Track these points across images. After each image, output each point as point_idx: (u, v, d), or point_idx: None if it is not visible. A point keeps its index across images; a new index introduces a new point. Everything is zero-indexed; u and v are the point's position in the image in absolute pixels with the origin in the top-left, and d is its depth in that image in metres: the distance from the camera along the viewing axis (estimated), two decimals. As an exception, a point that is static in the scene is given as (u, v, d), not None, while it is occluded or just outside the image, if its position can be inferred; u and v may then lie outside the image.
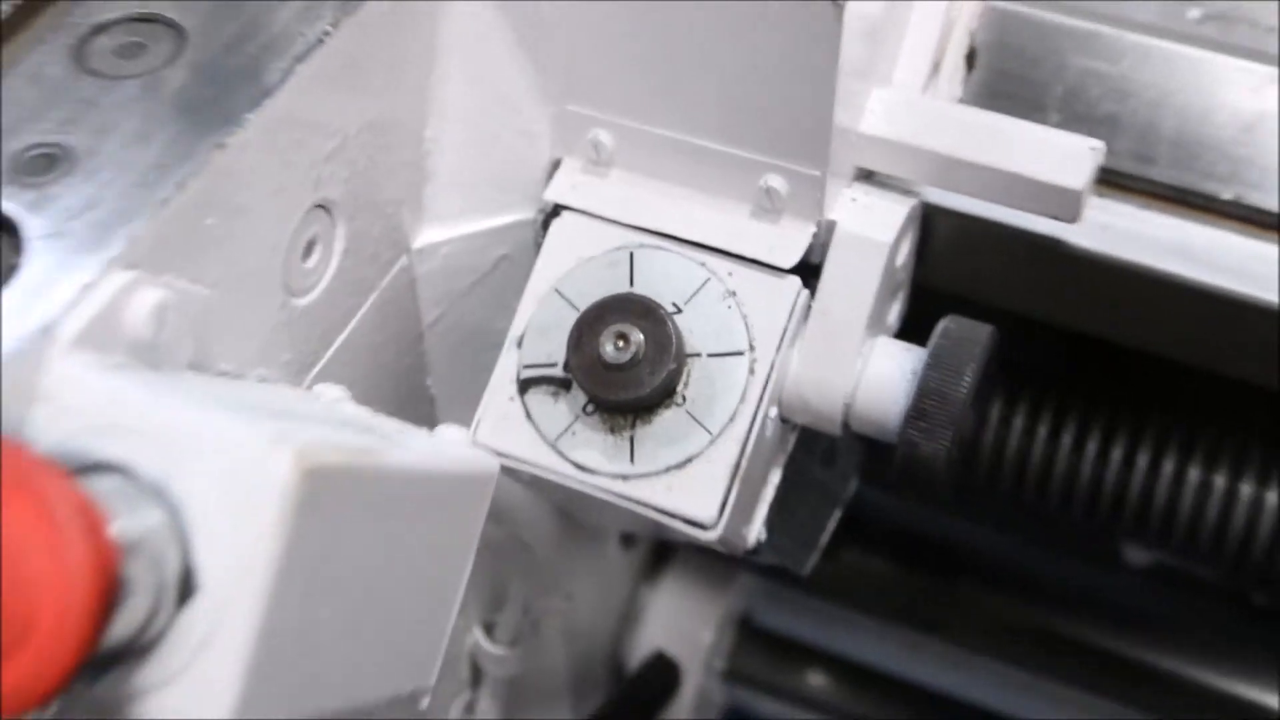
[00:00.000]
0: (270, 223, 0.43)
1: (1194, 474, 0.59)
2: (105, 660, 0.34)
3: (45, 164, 0.40)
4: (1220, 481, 0.60)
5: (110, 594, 0.32)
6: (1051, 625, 0.76)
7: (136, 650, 0.35)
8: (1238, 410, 0.58)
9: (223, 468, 0.34)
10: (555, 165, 0.52)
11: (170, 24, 0.44)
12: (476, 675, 0.68)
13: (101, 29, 0.43)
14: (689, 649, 0.78)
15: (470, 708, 0.69)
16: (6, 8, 0.44)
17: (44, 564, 0.31)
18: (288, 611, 0.35)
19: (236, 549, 0.35)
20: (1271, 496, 0.60)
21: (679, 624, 0.78)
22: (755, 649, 0.80)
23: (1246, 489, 0.60)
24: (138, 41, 0.43)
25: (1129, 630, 0.76)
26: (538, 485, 0.51)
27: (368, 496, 0.38)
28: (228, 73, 0.42)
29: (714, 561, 0.79)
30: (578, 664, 0.74)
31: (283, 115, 0.42)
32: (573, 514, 0.61)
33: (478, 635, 0.67)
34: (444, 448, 0.43)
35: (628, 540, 0.75)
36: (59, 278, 0.37)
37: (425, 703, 0.45)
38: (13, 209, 0.39)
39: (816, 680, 0.80)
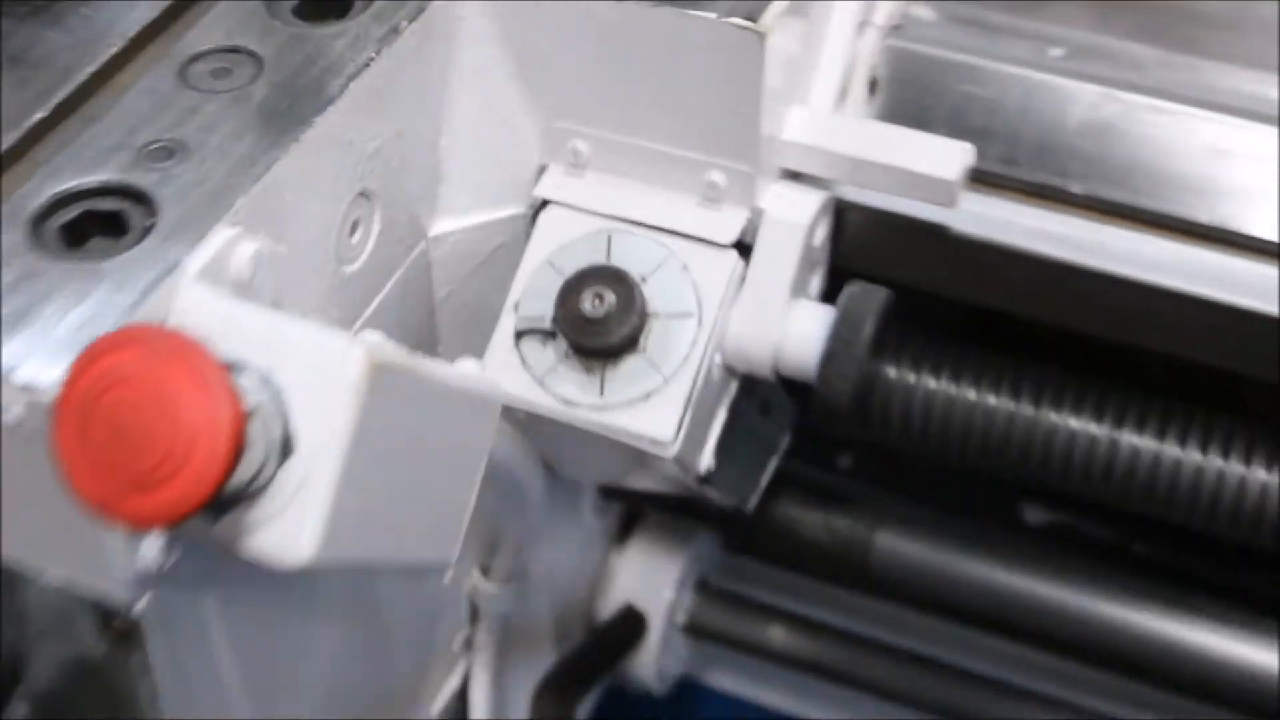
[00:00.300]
0: (328, 202, 0.56)
1: (1071, 421, 0.72)
2: (226, 502, 0.47)
3: (164, 154, 0.53)
4: (1096, 430, 0.73)
5: (238, 445, 0.45)
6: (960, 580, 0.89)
7: (248, 496, 0.47)
8: (1097, 364, 0.72)
9: (314, 362, 0.47)
10: (542, 169, 0.65)
11: (251, 54, 0.57)
12: (474, 613, 0.81)
13: (198, 57, 0.57)
14: (654, 605, 0.90)
15: (469, 642, 0.82)
16: (119, 41, 0.57)
17: (199, 417, 0.44)
18: (357, 471, 0.48)
19: (322, 422, 0.47)
20: (1145, 443, 0.73)
21: (644, 584, 0.91)
22: (712, 606, 0.93)
23: (1126, 438, 0.72)
24: (226, 67, 0.57)
25: (1031, 582, 0.88)
26: (531, 424, 0.64)
27: (413, 393, 0.50)
28: (297, 89, 0.56)
29: (674, 530, 0.92)
30: (558, 614, 0.87)
31: (339, 121, 0.56)
32: (556, 465, 0.74)
33: (476, 577, 0.79)
34: (464, 370, 0.56)
35: (600, 508, 0.88)
36: (183, 232, 0.50)
37: (448, 577, 0.58)
38: (145, 184, 0.52)
39: (772, 633, 0.92)
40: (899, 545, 0.85)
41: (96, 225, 0.51)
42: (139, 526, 0.45)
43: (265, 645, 0.62)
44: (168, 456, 0.44)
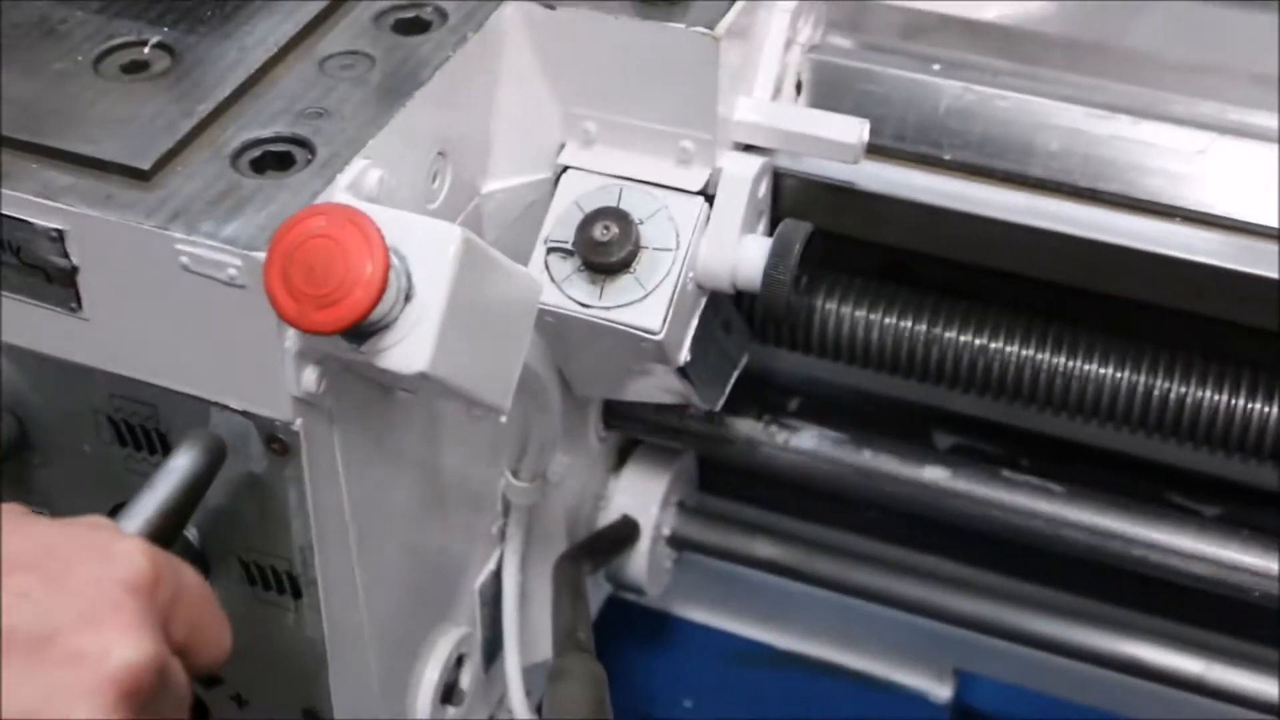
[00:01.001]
0: (419, 153, 0.81)
1: (957, 337, 0.97)
2: (370, 329, 0.71)
3: (315, 115, 0.78)
4: (986, 343, 0.97)
5: (384, 284, 0.69)
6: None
7: (382, 327, 0.71)
8: (964, 285, 0.97)
9: (428, 238, 0.71)
10: (562, 145, 0.91)
11: (366, 55, 0.82)
12: (506, 507, 1.05)
13: (330, 57, 0.82)
14: (644, 518, 1.15)
15: (502, 532, 1.05)
16: (274, 47, 0.83)
17: (362, 261, 0.68)
18: (453, 313, 0.72)
19: (432, 277, 0.71)
20: (1009, 349, 0.97)
21: (635, 502, 1.15)
22: (690, 522, 1.17)
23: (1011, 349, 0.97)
24: (350, 63, 0.82)
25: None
26: (553, 331, 0.89)
27: (487, 265, 0.75)
28: (399, 77, 0.81)
29: (659, 460, 1.16)
30: (569, 518, 1.10)
31: (426, 98, 0.81)
32: (571, 379, 0.98)
33: (507, 476, 1.03)
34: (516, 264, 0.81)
35: (602, 436, 1.12)
36: (332, 163, 0.75)
37: (504, 418, 0.82)
38: (304, 133, 0.77)
39: (738, 541, 1.16)
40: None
41: (272, 161, 0.76)
42: (320, 332, 0.69)
43: (367, 483, 0.85)
44: (340, 286, 0.68)
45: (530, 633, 1.09)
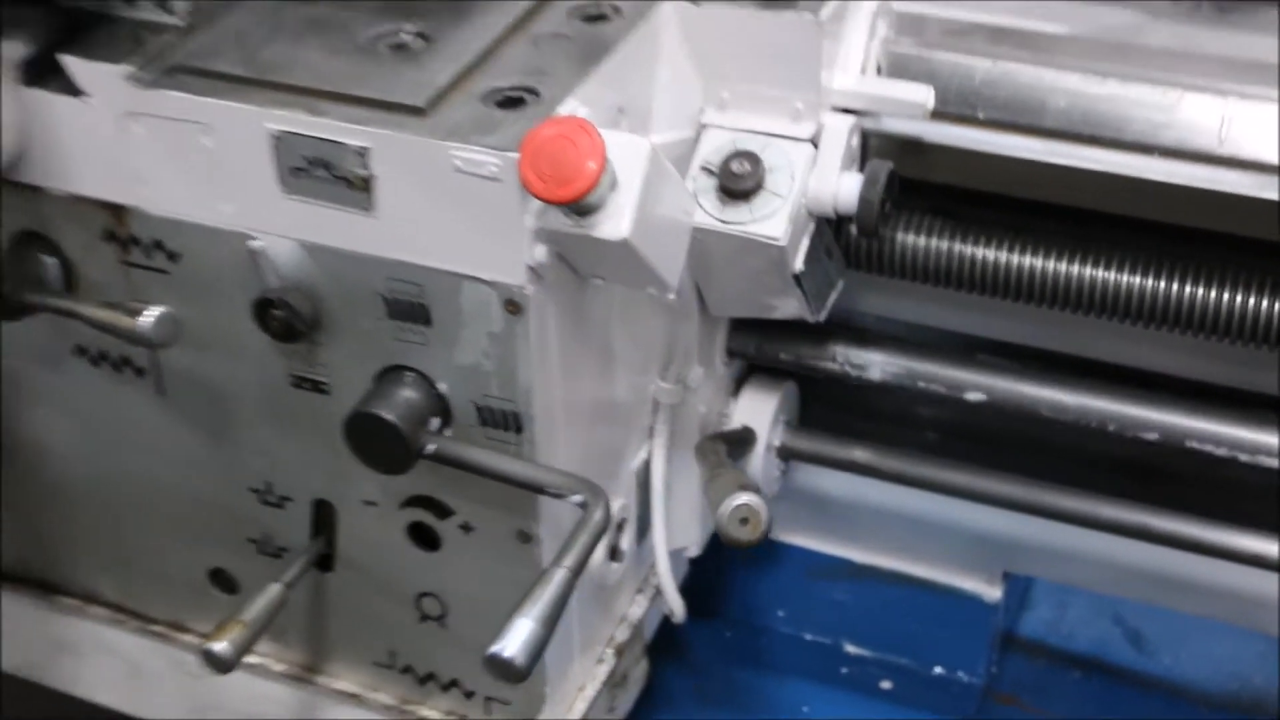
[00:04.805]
0: (608, 104, 1.12)
1: (996, 253, 1.27)
2: (589, 208, 1.01)
3: (535, 73, 1.09)
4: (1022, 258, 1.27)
5: (600, 173, 0.99)
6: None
7: (595, 209, 1.01)
8: (1012, 213, 1.27)
9: (628, 146, 1.02)
10: (702, 109, 1.21)
11: (567, 36, 1.13)
12: (655, 407, 1.34)
13: (540, 37, 1.13)
14: (759, 431, 1.43)
15: (651, 429, 1.34)
16: (497, 30, 1.14)
17: (588, 152, 0.98)
18: (645, 202, 1.02)
19: (630, 173, 1.02)
20: (1036, 261, 1.27)
21: (751, 419, 1.44)
22: (795, 436, 1.46)
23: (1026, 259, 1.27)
24: (554, 41, 1.13)
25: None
26: (702, 241, 1.18)
27: (665, 170, 1.05)
28: (592, 50, 1.12)
29: (769, 386, 1.45)
30: (701, 425, 1.39)
31: (612, 64, 1.11)
32: (708, 296, 1.28)
33: (656, 381, 1.32)
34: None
35: (726, 361, 1.41)
36: (552, 102, 1.06)
37: (671, 297, 1.11)
38: (531, 84, 1.08)
39: (851, 450, 1.45)
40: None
41: (509, 103, 1.07)
42: (558, 202, 0.99)
43: (569, 348, 1.14)
44: (572, 169, 0.98)
45: (671, 521, 1.37)
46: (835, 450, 1.44)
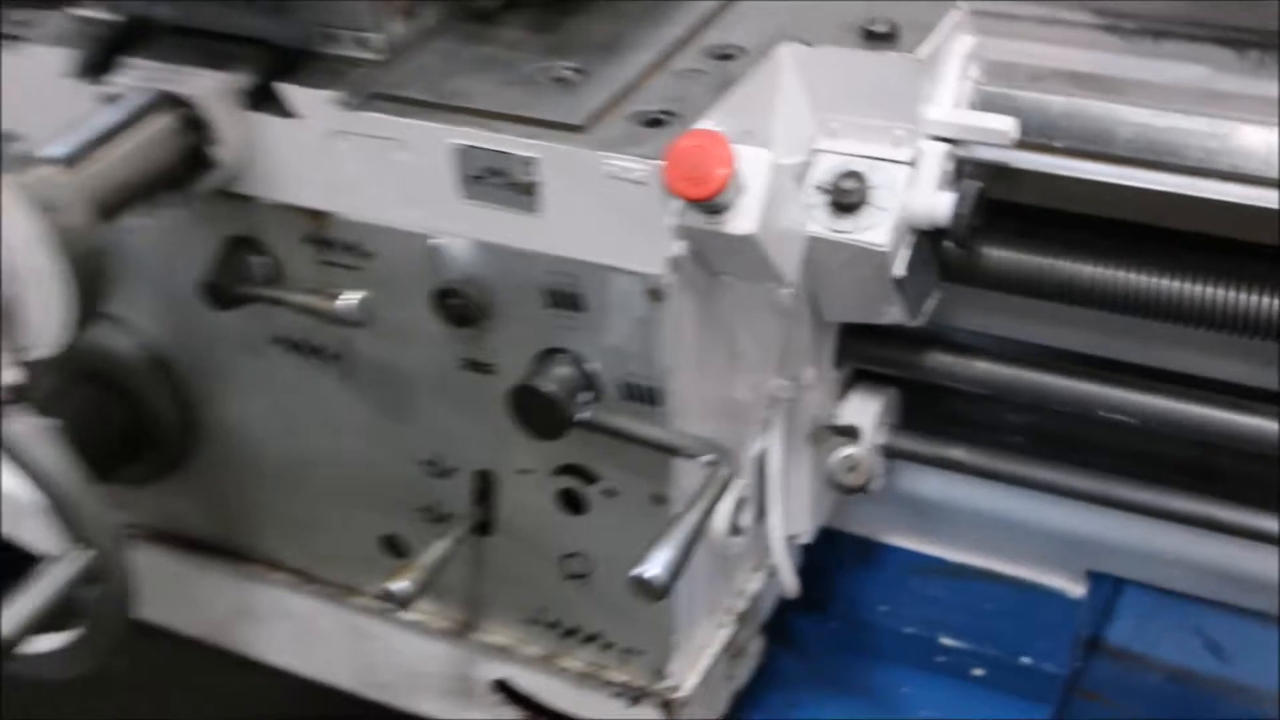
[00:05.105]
0: (734, 127, 1.31)
1: (1077, 265, 1.44)
2: (718, 207, 1.20)
3: (674, 99, 1.29)
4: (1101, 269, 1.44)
5: (729, 178, 1.18)
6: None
7: (724, 208, 1.20)
8: (1087, 230, 1.44)
9: (753, 155, 1.21)
10: (814, 136, 1.40)
11: (701, 70, 1.34)
12: (772, 402, 1.52)
13: (678, 71, 1.34)
14: (864, 430, 1.61)
15: (766, 421, 1.52)
16: (642, 66, 1.34)
17: (720, 159, 1.17)
18: (768, 204, 1.21)
19: (756, 179, 1.21)
20: (1120, 275, 1.44)
21: (857, 420, 1.61)
22: (896, 437, 1.63)
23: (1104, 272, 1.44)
24: (690, 75, 1.33)
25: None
26: (815, 250, 1.37)
27: (783, 182, 1.24)
28: (722, 81, 1.31)
29: (874, 391, 1.62)
30: (811, 426, 1.57)
31: (742, 91, 1.31)
32: (820, 303, 1.47)
33: (774, 380, 1.50)
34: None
35: (835, 365, 1.59)
36: (687, 124, 1.26)
37: (787, 294, 1.30)
38: (671, 108, 1.28)
39: (947, 449, 1.62)
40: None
41: (652, 124, 1.27)
42: (695, 199, 1.18)
43: (702, 333, 1.33)
44: (707, 172, 1.17)
45: (785, 508, 1.55)
46: (932, 449, 1.61)
